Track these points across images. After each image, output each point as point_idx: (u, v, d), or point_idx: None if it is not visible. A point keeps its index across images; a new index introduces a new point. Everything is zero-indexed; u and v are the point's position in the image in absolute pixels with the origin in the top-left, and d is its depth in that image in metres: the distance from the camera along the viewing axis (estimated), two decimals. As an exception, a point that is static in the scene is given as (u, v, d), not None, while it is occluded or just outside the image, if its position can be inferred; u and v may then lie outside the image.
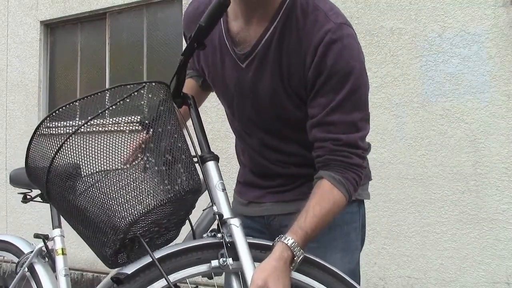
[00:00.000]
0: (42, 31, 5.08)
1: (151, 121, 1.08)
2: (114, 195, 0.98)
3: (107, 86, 4.74)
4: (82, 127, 1.03)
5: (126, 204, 0.97)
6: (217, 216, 1.06)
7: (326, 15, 1.12)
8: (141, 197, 0.98)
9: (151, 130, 1.08)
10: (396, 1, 3.34)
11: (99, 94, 1.06)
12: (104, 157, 1.02)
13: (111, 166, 1.02)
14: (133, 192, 0.99)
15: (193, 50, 1.10)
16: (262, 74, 1.19)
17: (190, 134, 1.15)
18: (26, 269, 1.64)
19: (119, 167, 1.02)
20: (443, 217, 3.15)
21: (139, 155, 1.08)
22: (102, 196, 0.98)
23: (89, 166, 1.02)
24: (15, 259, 1.74)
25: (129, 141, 1.09)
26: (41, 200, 1.65)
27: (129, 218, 0.97)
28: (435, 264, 3.17)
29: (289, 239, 1.03)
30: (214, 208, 1.07)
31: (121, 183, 0.99)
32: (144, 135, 1.10)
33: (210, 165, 1.12)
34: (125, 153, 1.07)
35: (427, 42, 3.26)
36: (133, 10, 4.65)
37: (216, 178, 1.10)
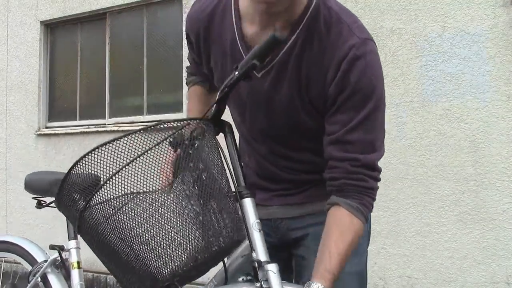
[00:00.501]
0: (42, 31, 5.08)
1: (196, 166, 1.00)
2: (157, 244, 0.93)
3: (107, 87, 4.74)
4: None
5: (171, 254, 0.93)
6: (255, 263, 1.03)
7: (350, 28, 1.10)
8: (187, 248, 0.94)
9: (194, 174, 0.99)
10: (396, 1, 3.34)
11: (137, 133, 0.98)
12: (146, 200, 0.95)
13: (153, 210, 0.95)
14: (177, 242, 0.94)
15: (237, 83, 1.05)
16: (279, 85, 1.15)
17: (229, 168, 1.10)
18: (39, 279, 1.61)
19: (163, 213, 0.95)
20: (443, 217, 3.15)
21: (183, 202, 0.98)
22: (142, 242, 0.94)
23: (129, 208, 0.94)
24: (27, 265, 1.70)
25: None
26: (55, 206, 1.62)
27: (173, 269, 0.93)
28: (435, 264, 3.17)
29: (319, 286, 1.01)
30: (254, 255, 1.03)
31: (165, 234, 0.94)
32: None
33: (247, 202, 1.06)
34: (161, 179, 1.00)
35: (427, 42, 3.26)
36: (133, 10, 4.65)
37: (253, 217, 1.05)
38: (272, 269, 1.01)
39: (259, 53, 0.99)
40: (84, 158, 0.96)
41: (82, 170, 0.96)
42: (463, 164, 3.11)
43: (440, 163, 3.17)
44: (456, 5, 3.18)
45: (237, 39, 1.15)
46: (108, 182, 0.93)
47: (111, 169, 0.94)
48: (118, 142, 0.96)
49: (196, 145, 1.01)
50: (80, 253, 1.60)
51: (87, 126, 4.78)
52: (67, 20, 4.99)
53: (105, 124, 4.71)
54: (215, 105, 1.09)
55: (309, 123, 1.16)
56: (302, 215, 1.25)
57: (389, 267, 3.30)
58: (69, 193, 0.99)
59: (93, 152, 0.95)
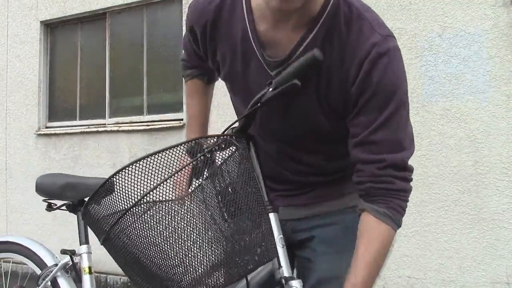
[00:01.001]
0: (42, 31, 5.08)
1: (220, 180, 0.97)
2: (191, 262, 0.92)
3: (107, 87, 4.74)
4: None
5: (190, 263, 0.92)
6: (283, 279, 1.02)
7: (371, 25, 1.06)
8: (204, 259, 0.93)
9: (218, 187, 0.96)
10: (396, 1, 3.34)
11: (175, 149, 0.96)
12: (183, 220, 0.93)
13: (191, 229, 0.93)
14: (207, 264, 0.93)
15: (272, 100, 1.02)
16: (303, 88, 1.08)
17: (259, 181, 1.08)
18: (49, 283, 1.61)
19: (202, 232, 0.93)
20: (443, 217, 3.15)
21: (201, 213, 0.95)
22: (161, 251, 0.92)
23: (148, 217, 0.92)
24: (36, 268, 1.69)
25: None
26: (66, 209, 1.60)
27: (194, 277, 0.92)
28: (435, 264, 3.17)
29: None
30: (281, 271, 1.03)
31: (181, 243, 0.92)
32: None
33: (271, 217, 1.04)
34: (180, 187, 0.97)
35: (427, 42, 3.26)
36: (133, 10, 4.65)
37: (276, 232, 1.04)
38: (297, 285, 1.02)
39: (298, 73, 0.95)
40: (119, 173, 0.93)
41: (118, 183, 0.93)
42: (463, 164, 3.11)
43: (440, 163, 3.17)
44: (456, 5, 3.18)
45: (250, 35, 1.09)
46: (144, 197, 0.91)
47: (147, 185, 0.92)
48: (156, 156, 0.94)
49: (215, 158, 0.98)
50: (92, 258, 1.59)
51: (87, 126, 4.78)
52: (67, 20, 4.99)
53: (105, 124, 4.71)
54: (243, 118, 1.06)
55: (327, 126, 1.11)
56: (307, 217, 1.22)
57: (389, 267, 3.29)
58: (98, 206, 0.97)
59: (129, 167, 0.93)
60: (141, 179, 0.92)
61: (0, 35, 5.28)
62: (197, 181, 0.99)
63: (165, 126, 4.25)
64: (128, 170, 0.92)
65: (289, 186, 1.23)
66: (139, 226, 0.91)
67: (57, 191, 1.56)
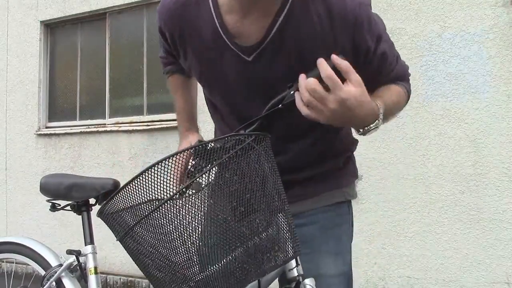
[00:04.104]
0: (42, 31, 5.08)
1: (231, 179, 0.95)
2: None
3: (107, 87, 4.74)
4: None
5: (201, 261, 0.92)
6: (300, 277, 1.04)
7: None
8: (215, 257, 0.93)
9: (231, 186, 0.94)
10: (396, 1, 3.34)
11: (211, 144, 0.95)
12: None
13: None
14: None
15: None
16: (277, 65, 1.11)
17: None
18: (54, 283, 1.60)
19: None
20: (443, 217, 3.15)
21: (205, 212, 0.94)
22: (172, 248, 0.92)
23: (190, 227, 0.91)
24: (39, 269, 1.69)
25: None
26: (70, 210, 1.59)
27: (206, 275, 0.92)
28: (435, 264, 3.17)
29: (379, 103, 1.05)
30: (298, 269, 1.05)
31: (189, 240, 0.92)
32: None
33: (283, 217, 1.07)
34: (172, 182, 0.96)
35: (427, 42, 3.26)
36: (133, 10, 4.65)
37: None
38: (310, 283, 1.04)
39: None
40: (144, 173, 0.92)
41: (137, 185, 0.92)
42: (463, 164, 3.11)
43: (440, 163, 3.17)
44: (456, 5, 3.18)
45: (220, 30, 1.11)
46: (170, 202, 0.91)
47: (171, 183, 0.93)
48: (177, 157, 0.93)
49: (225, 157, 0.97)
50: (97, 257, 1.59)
51: (87, 126, 4.78)
52: (67, 20, 4.99)
53: (105, 124, 4.71)
54: (259, 120, 1.07)
55: None
56: (296, 214, 1.23)
57: (389, 267, 3.29)
58: (118, 207, 0.96)
59: (153, 168, 0.92)
60: (165, 178, 0.92)
61: (0, 35, 5.28)
62: (203, 180, 0.98)
63: (165, 126, 4.24)
64: (154, 169, 0.91)
65: None
66: (159, 224, 0.91)
67: (62, 191, 1.55)
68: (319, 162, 1.24)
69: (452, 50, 3.18)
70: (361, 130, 1.06)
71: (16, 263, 1.84)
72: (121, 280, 4.28)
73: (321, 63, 0.95)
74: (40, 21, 5.05)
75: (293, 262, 1.08)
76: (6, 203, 5.11)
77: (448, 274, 3.13)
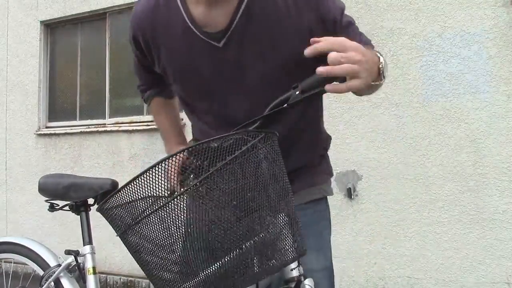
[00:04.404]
0: (42, 31, 5.08)
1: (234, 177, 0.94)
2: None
3: (107, 87, 4.74)
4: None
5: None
6: (302, 277, 1.06)
7: None
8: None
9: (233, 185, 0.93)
10: (396, 1, 3.34)
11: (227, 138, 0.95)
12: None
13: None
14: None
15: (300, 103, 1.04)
16: (247, 50, 1.15)
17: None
18: (52, 284, 1.59)
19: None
20: (443, 217, 3.15)
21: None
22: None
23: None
24: (38, 269, 1.68)
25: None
26: (69, 210, 1.58)
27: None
28: (435, 264, 3.17)
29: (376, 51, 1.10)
30: (298, 269, 1.06)
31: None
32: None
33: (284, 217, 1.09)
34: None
35: (427, 42, 3.26)
36: (133, 10, 4.65)
37: None
38: (309, 283, 1.05)
39: (326, 80, 0.98)
40: (146, 172, 0.92)
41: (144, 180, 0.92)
42: (463, 164, 3.11)
43: (440, 163, 3.17)
44: (456, 5, 3.18)
45: (189, 23, 1.16)
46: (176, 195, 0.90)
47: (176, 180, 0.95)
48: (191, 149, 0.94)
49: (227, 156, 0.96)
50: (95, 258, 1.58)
51: (87, 126, 4.78)
52: (67, 20, 4.99)
53: (105, 124, 4.71)
54: (261, 119, 1.08)
55: (286, 82, 1.12)
56: None
57: (389, 267, 3.30)
58: (121, 203, 0.96)
59: (155, 167, 0.92)
60: (166, 177, 0.92)
61: (0, 35, 5.28)
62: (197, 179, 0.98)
63: (165, 126, 4.24)
64: (156, 169, 0.91)
65: None
66: (161, 221, 0.91)
67: (60, 191, 1.55)
68: (297, 160, 1.26)
69: (452, 50, 3.18)
70: (380, 80, 1.06)
71: (14, 263, 1.83)
72: (121, 280, 4.28)
73: (314, 41, 0.97)
74: (40, 21, 5.05)
75: (295, 262, 1.09)
76: (6, 203, 5.11)
77: (448, 274, 3.13)
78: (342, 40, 0.96)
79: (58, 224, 4.67)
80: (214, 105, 1.23)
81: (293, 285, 1.07)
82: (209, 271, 0.92)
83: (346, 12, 1.21)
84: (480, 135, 3.08)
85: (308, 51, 0.96)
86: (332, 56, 0.93)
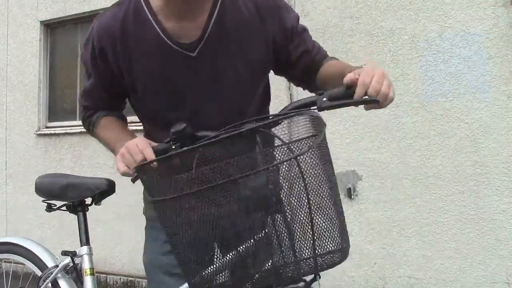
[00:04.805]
0: (42, 31, 5.08)
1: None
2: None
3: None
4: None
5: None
6: (318, 277, 1.05)
7: None
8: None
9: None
10: (396, 1, 3.34)
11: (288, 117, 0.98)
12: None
13: None
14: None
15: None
16: (220, 58, 1.23)
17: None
18: (50, 285, 1.59)
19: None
20: (443, 217, 3.15)
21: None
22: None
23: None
24: (36, 269, 1.68)
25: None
26: (66, 210, 1.56)
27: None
28: (435, 264, 3.17)
29: (365, 64, 1.21)
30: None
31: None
32: None
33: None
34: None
35: (427, 42, 3.26)
36: (133, 10, 4.65)
37: None
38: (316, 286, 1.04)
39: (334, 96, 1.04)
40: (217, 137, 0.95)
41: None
42: (463, 164, 3.11)
43: (440, 163, 3.17)
44: (456, 5, 3.18)
45: (162, 36, 1.21)
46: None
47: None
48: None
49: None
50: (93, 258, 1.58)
51: (87, 126, 4.78)
52: (67, 20, 4.99)
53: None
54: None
55: (254, 88, 1.30)
56: None
57: (389, 267, 3.29)
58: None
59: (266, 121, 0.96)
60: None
61: (0, 35, 5.28)
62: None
63: (165, 126, 4.24)
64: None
65: None
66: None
67: (57, 191, 1.54)
68: None
69: (452, 50, 3.18)
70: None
71: (14, 263, 1.83)
72: (121, 280, 4.28)
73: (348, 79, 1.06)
74: (40, 21, 5.05)
75: None
76: (6, 203, 5.11)
77: (448, 274, 3.13)
78: (369, 71, 1.04)
79: (57, 224, 4.66)
80: (185, 113, 1.25)
81: (302, 284, 1.07)
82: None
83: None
84: (480, 135, 3.08)
85: (347, 80, 1.04)
86: (373, 85, 1.03)
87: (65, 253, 1.57)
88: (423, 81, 3.25)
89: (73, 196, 1.54)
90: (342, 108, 1.16)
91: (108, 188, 1.50)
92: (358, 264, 3.30)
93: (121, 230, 4.14)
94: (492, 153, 3.04)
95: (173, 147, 1.05)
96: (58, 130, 4.90)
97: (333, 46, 3.54)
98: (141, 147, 1.08)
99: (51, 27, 5.15)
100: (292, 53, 1.32)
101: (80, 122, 5.46)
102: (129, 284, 4.26)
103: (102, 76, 1.30)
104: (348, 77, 1.02)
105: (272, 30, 1.26)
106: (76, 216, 1.57)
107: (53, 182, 1.57)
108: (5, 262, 1.86)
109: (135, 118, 1.45)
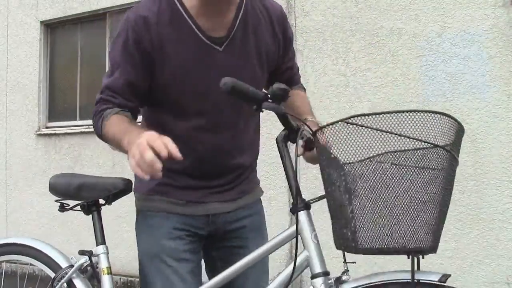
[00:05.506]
0: (42, 31, 5.08)
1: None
2: None
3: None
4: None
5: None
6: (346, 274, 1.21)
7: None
8: None
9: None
10: (396, 1, 3.34)
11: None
12: None
13: None
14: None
15: None
16: (245, 56, 1.35)
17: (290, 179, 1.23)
18: (65, 285, 1.57)
19: None
20: (443, 217, 3.15)
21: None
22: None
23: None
24: (48, 270, 1.67)
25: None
26: (80, 210, 1.55)
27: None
28: (435, 264, 3.17)
29: (313, 118, 1.41)
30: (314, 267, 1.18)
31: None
32: None
33: (302, 215, 1.20)
34: None
35: (427, 42, 3.26)
36: (133, 10, 4.65)
37: (309, 229, 1.18)
38: (317, 283, 1.15)
39: None
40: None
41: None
42: (463, 164, 3.10)
43: (440, 163, 3.17)
44: (456, 5, 3.18)
45: (195, 29, 1.31)
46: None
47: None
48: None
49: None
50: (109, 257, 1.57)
51: (87, 126, 4.78)
52: (67, 20, 4.99)
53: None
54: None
55: (262, 83, 1.43)
56: (235, 209, 1.43)
57: (389, 267, 3.29)
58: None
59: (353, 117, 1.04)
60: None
61: (0, 35, 5.28)
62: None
63: (165, 126, 4.24)
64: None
65: (222, 181, 1.41)
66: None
67: (72, 191, 1.52)
68: (253, 160, 1.49)
69: (452, 50, 3.18)
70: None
71: (20, 264, 1.82)
72: (121, 280, 4.28)
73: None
74: (40, 21, 5.05)
75: None
76: (6, 203, 5.11)
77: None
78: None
79: (57, 225, 4.67)
80: (207, 105, 1.33)
81: (333, 279, 1.19)
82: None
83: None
84: (480, 135, 3.08)
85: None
86: None
87: (82, 252, 1.57)
88: (423, 81, 3.25)
89: (88, 196, 1.52)
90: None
91: (125, 188, 1.50)
92: (358, 264, 3.30)
93: (121, 230, 4.14)
94: (492, 153, 3.04)
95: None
96: (58, 130, 4.90)
97: (333, 46, 3.54)
98: (164, 140, 1.08)
99: (51, 27, 5.15)
100: (283, 64, 1.49)
101: (80, 122, 5.42)
102: (129, 284, 4.26)
103: (132, 67, 1.29)
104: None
105: (279, 38, 1.42)
106: (90, 216, 1.56)
107: (68, 182, 1.56)
108: (9, 263, 1.85)
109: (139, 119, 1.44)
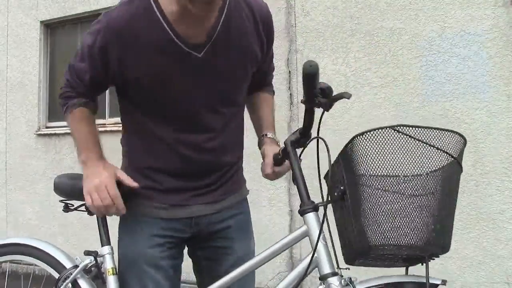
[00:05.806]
0: (42, 31, 5.08)
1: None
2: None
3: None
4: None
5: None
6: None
7: None
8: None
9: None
10: (396, 1, 3.34)
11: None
12: None
13: None
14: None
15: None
16: (227, 59, 1.34)
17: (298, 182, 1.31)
18: (70, 285, 1.58)
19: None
20: (443, 217, 3.15)
21: None
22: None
23: None
24: (51, 270, 1.67)
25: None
26: (85, 210, 1.54)
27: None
28: (435, 264, 3.16)
29: (272, 133, 1.52)
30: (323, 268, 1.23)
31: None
32: None
33: (311, 216, 1.24)
34: None
35: (427, 42, 3.26)
36: (133, 10, 4.65)
37: (317, 230, 1.21)
38: (334, 282, 1.21)
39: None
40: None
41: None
42: (463, 164, 3.11)
43: (440, 163, 3.17)
44: (456, 5, 3.18)
45: (172, 35, 1.28)
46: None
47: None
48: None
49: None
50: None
51: (87, 126, 4.78)
52: (67, 20, 4.99)
53: (105, 124, 4.71)
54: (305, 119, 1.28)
55: (245, 84, 1.44)
56: (219, 210, 1.43)
57: (389, 267, 3.29)
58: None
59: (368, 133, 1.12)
60: None
61: (0, 35, 5.28)
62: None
63: (165, 126, 4.24)
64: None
65: (206, 181, 1.41)
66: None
67: (78, 191, 1.51)
68: (238, 159, 1.50)
69: (452, 50, 3.18)
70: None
71: (24, 264, 1.82)
72: (121, 280, 4.27)
73: None
74: (40, 21, 5.05)
75: None
76: (6, 203, 5.11)
77: (448, 274, 3.13)
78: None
79: (57, 225, 4.67)
80: (185, 109, 1.34)
81: (347, 279, 1.27)
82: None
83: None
84: (480, 135, 3.08)
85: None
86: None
87: (88, 253, 1.57)
88: (423, 81, 3.25)
89: None
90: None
91: (129, 188, 1.50)
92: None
93: (121, 230, 4.14)
94: (492, 153, 3.04)
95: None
96: (58, 130, 4.90)
97: (333, 46, 3.54)
98: (112, 195, 1.37)
99: (51, 27, 5.15)
100: (264, 63, 1.50)
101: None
102: (129, 284, 4.26)
103: (95, 69, 1.35)
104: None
105: (262, 39, 1.41)
106: (95, 216, 1.56)
107: (73, 183, 1.56)
108: (13, 263, 1.85)
109: (118, 120, 1.47)
